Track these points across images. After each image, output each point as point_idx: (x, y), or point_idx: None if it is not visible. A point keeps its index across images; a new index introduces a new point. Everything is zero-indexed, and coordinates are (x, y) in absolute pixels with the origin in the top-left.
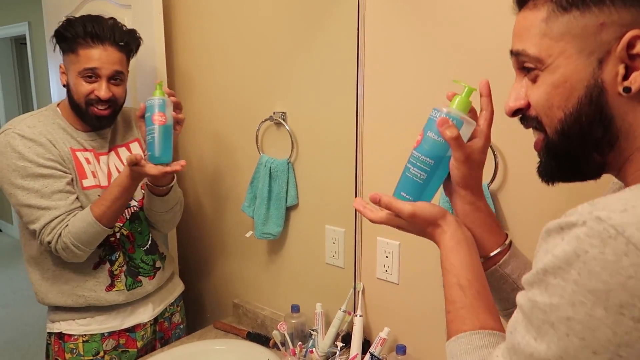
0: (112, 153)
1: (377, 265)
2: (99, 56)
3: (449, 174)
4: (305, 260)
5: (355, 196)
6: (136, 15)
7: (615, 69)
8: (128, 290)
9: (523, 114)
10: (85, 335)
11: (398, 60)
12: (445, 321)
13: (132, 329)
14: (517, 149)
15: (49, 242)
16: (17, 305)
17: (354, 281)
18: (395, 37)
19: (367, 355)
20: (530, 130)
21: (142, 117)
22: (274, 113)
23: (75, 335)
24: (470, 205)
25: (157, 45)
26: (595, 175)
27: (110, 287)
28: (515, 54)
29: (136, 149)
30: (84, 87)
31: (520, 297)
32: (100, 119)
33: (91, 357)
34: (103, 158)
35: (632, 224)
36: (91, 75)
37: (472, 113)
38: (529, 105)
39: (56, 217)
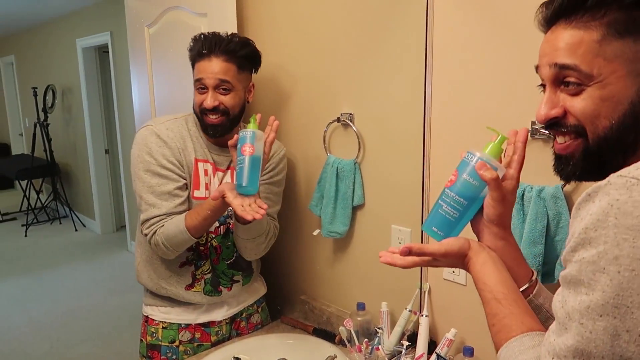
0: (229, 172)
1: None
2: (204, 68)
3: (477, 212)
4: (370, 259)
5: (422, 196)
6: (212, 22)
7: None
8: (205, 295)
9: (557, 122)
10: (164, 322)
11: (467, 60)
12: (492, 335)
13: (207, 324)
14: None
15: (146, 235)
16: (98, 295)
17: (420, 281)
18: (464, 36)
19: (433, 356)
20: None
21: (235, 146)
22: (341, 114)
23: (156, 320)
24: (502, 241)
25: None
26: (607, 175)
27: (190, 287)
28: (562, 67)
29: None
30: (197, 97)
31: (564, 272)
32: (212, 127)
33: (167, 344)
34: (219, 174)
35: None
36: (202, 86)
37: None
38: (564, 114)
39: (156, 216)
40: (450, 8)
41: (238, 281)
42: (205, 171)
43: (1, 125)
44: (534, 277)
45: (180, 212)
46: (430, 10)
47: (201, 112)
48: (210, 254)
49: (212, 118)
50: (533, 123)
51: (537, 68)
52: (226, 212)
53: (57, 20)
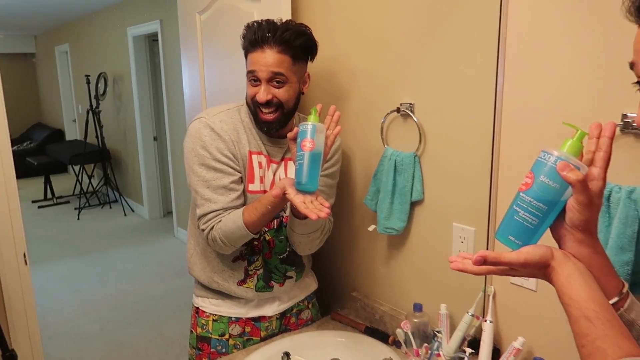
0: (283, 163)
1: None
2: (257, 59)
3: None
4: (429, 258)
5: (490, 194)
6: (265, 8)
7: None
8: (257, 291)
9: None
10: (215, 314)
11: (545, 46)
12: (581, 357)
13: (257, 319)
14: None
15: (203, 230)
16: (146, 280)
17: (484, 284)
18: (543, 19)
19: None
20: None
21: (294, 139)
22: (400, 104)
23: (207, 312)
24: (589, 249)
25: None
26: None
27: (242, 282)
28: None
29: None
30: (250, 90)
31: None
32: (266, 123)
33: (217, 337)
34: (273, 166)
35: None
36: (254, 79)
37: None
38: None
39: (213, 211)
40: None
41: (291, 277)
42: (260, 164)
43: (56, 112)
44: (624, 289)
45: (236, 207)
46: None
47: (254, 105)
48: (263, 248)
49: (266, 113)
50: (624, 116)
51: (632, 65)
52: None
53: (110, 9)
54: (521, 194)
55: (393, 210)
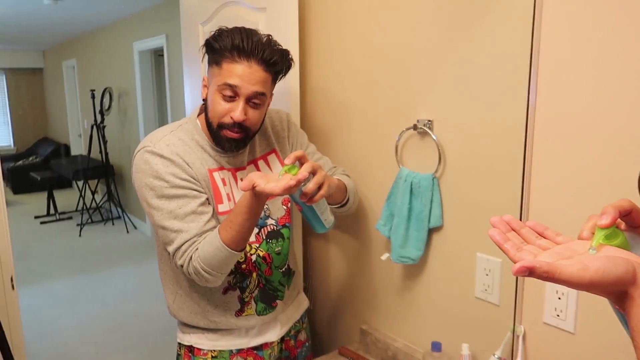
0: (251, 167)
1: (546, 306)
2: (242, 72)
3: None
4: (448, 292)
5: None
6: (271, 18)
7: None
8: (259, 315)
9: None
10: (214, 350)
11: (585, 57)
12: None
13: (259, 347)
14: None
15: (182, 266)
16: (146, 301)
17: (513, 323)
18: (583, 27)
19: None
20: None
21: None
22: (417, 121)
23: (204, 349)
24: None
25: (292, 48)
26: None
27: (240, 312)
28: None
29: (274, 160)
30: (221, 106)
31: None
32: (230, 141)
33: None
34: (241, 173)
35: None
36: (231, 94)
37: None
38: None
39: (187, 240)
40: None
41: (284, 286)
42: (223, 180)
43: (62, 127)
44: None
45: (210, 230)
46: None
47: (219, 125)
48: (259, 266)
49: (232, 132)
50: None
51: None
52: (263, 213)
53: (116, 24)
54: None
55: (409, 237)
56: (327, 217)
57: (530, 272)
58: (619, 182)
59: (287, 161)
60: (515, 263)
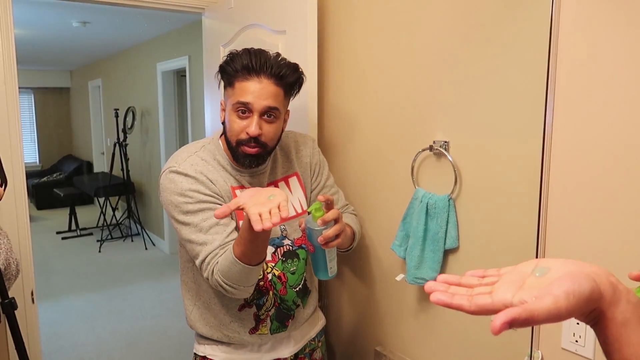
0: (271, 187)
1: (563, 331)
2: (253, 89)
3: None
4: (464, 315)
5: (537, 244)
6: (290, 40)
7: None
8: (272, 334)
9: None
10: None
11: (603, 81)
12: None
13: None
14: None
15: (207, 279)
16: (165, 317)
17: (531, 348)
18: (601, 50)
19: None
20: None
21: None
22: (434, 142)
23: None
24: None
25: (310, 69)
26: None
27: (254, 330)
28: None
29: (294, 183)
30: (237, 124)
31: None
32: (248, 157)
33: None
34: None
35: None
36: (244, 110)
37: None
38: None
39: (210, 252)
40: (586, 9)
41: (299, 305)
42: None
43: (86, 144)
44: None
45: (232, 242)
46: (555, 14)
47: (238, 142)
48: (274, 285)
49: (250, 147)
50: None
51: None
52: (280, 233)
53: (141, 45)
54: None
55: (424, 259)
56: (333, 266)
57: (511, 324)
58: (638, 206)
59: (320, 198)
60: (473, 314)
